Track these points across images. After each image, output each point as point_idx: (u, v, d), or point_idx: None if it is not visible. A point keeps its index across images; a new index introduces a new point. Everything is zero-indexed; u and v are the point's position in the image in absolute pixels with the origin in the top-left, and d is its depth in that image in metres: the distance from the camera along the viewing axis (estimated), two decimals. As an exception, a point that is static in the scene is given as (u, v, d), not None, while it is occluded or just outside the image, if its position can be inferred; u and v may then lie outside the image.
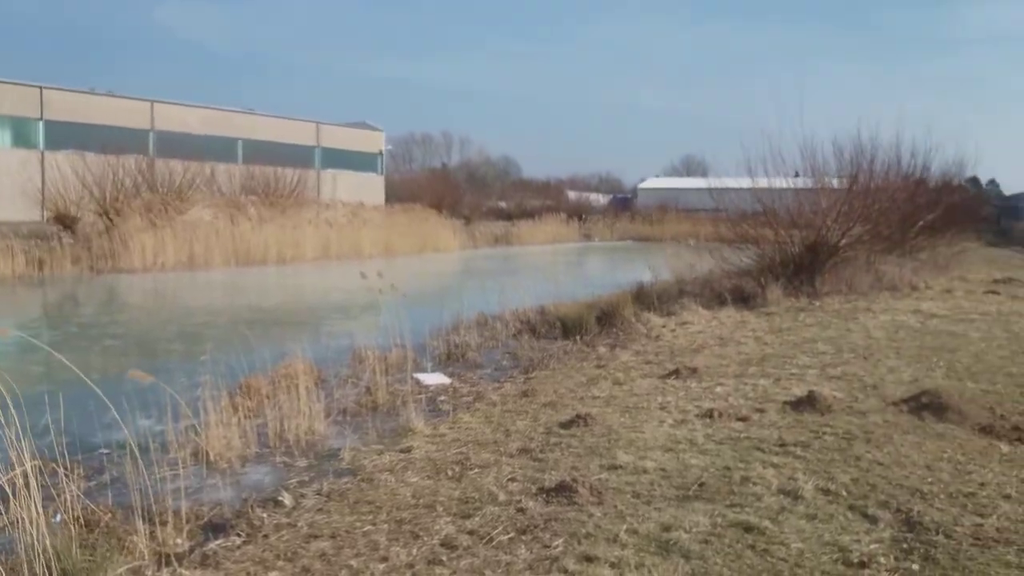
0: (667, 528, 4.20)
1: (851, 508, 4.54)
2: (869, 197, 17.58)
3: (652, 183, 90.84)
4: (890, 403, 6.91)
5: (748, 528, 4.24)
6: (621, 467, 5.25)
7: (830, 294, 15.61)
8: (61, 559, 3.72)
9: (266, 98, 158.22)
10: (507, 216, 59.11)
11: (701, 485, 4.88)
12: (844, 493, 4.76)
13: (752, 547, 4.02)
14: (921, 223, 21.66)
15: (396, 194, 59.15)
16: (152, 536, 4.64)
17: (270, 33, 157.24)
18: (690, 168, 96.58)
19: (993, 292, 16.97)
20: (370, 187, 63.17)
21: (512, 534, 4.24)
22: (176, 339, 13.29)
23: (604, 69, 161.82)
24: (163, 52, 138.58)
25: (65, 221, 27.87)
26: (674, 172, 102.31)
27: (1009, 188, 69.41)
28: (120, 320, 15.82)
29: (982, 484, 4.98)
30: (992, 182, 69.83)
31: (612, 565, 3.80)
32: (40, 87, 46.23)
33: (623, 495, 4.75)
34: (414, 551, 4.12)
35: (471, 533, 4.30)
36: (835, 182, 18.16)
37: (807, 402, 6.76)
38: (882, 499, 4.69)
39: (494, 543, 4.14)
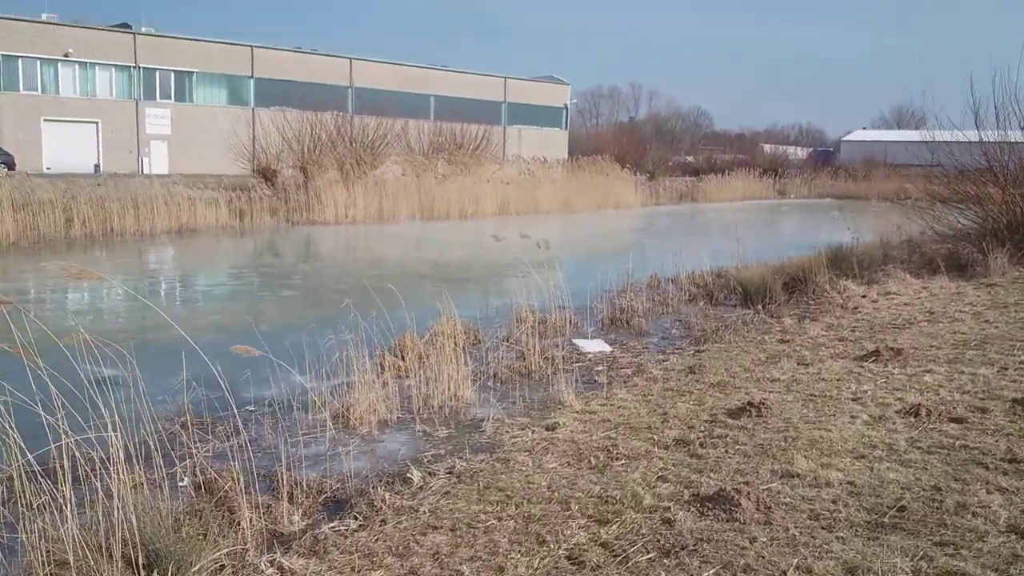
0: (852, 570, 3.27)
1: (1119, 570, 3.35)
2: None
3: (858, 135, 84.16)
4: None
5: (965, 582, 3.21)
6: (798, 476, 4.31)
7: (1069, 264, 13.28)
8: (153, 541, 3.43)
9: (456, 53, 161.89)
10: (694, 171, 56.71)
11: (901, 510, 3.84)
12: (1107, 544, 3.54)
13: (970, 612, 3.01)
14: None
15: (580, 148, 58.40)
16: (268, 511, 4.36)
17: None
18: (901, 119, 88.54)
19: None
20: (554, 142, 63.03)
21: (652, 554, 3.51)
22: (351, 291, 13.46)
23: (804, 11, 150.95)
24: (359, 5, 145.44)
25: (266, 174, 29.55)
26: (883, 123, 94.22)
27: None
28: (302, 270, 16.38)
29: None
30: None
31: (774, 617, 2.97)
32: (251, 46, 49.56)
33: (797, 515, 3.84)
34: (535, 562, 3.51)
35: (604, 546, 3.62)
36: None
37: (1047, 403, 5.42)
38: None
39: (629, 564, 3.43)
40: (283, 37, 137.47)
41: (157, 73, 45.93)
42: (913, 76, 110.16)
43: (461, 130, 38.25)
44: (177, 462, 4.97)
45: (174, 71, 46.52)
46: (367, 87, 51.28)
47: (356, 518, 4.22)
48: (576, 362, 7.98)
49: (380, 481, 4.79)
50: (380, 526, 4.07)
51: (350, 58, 53.89)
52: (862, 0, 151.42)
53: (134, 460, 4.39)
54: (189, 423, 5.92)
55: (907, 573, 3.23)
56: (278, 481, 4.68)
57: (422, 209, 29.46)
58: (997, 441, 4.87)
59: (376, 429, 5.99)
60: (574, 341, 8.93)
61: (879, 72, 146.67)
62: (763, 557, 3.41)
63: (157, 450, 4.46)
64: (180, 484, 4.81)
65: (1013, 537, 3.58)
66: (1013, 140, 15.14)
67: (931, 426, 5.15)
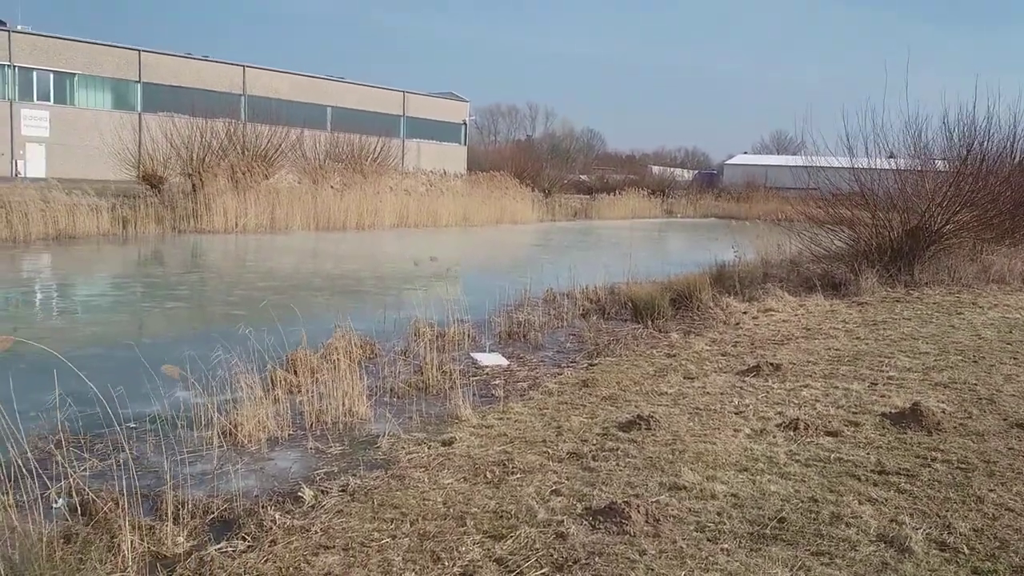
0: (735, 580, 3.42)
1: (976, 573, 3.59)
2: (979, 180, 16.00)
3: (739, 159, 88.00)
4: (1013, 424, 5.88)
5: (840, 591, 3.37)
6: (685, 488, 4.47)
7: (930, 284, 14.29)
8: (22, 567, 3.23)
9: (357, 64, 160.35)
10: (588, 190, 58.09)
11: (781, 521, 4.04)
12: (965, 549, 3.78)
13: (844, 620, 3.17)
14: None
15: (479, 165, 58.74)
16: (151, 533, 4.17)
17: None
18: (780, 145, 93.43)
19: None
20: (453, 157, 63.14)
21: (546, 569, 3.56)
22: (240, 303, 13.06)
23: (693, 41, 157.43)
24: (257, 15, 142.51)
25: (152, 181, 28.35)
26: (763, 149, 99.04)
27: None
28: (188, 281, 15.76)
29: None
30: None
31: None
32: (139, 50, 47.54)
33: (684, 526, 3.98)
34: (430, 580, 3.50)
35: (499, 562, 3.65)
36: (940, 163, 16.65)
37: (911, 416, 5.78)
38: (1018, 563, 3.69)
39: (523, 579, 3.48)
40: (175, 42, 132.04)
41: (34, 73, 43.43)
42: (793, 105, 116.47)
43: (359, 141, 37.79)
44: (50, 483, 4.69)
45: (53, 72, 44.09)
46: (261, 96, 49.93)
47: (244, 539, 4.09)
48: (474, 376, 8.00)
49: (270, 500, 4.67)
50: (270, 547, 3.96)
51: (243, 65, 52.50)
52: (745, 28, 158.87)
53: (1, 481, 4.14)
54: (64, 441, 5.61)
55: (786, 581, 3.39)
56: (162, 501, 4.48)
57: (317, 219, 28.89)
58: (868, 454, 5.18)
59: (266, 447, 5.82)
60: (472, 355, 8.95)
61: (761, 99, 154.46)
62: (652, 570, 3.52)
63: (27, 470, 4.20)
64: (54, 506, 4.54)
65: (883, 546, 3.81)
66: (881, 168, 16.21)
67: (808, 439, 5.44)
